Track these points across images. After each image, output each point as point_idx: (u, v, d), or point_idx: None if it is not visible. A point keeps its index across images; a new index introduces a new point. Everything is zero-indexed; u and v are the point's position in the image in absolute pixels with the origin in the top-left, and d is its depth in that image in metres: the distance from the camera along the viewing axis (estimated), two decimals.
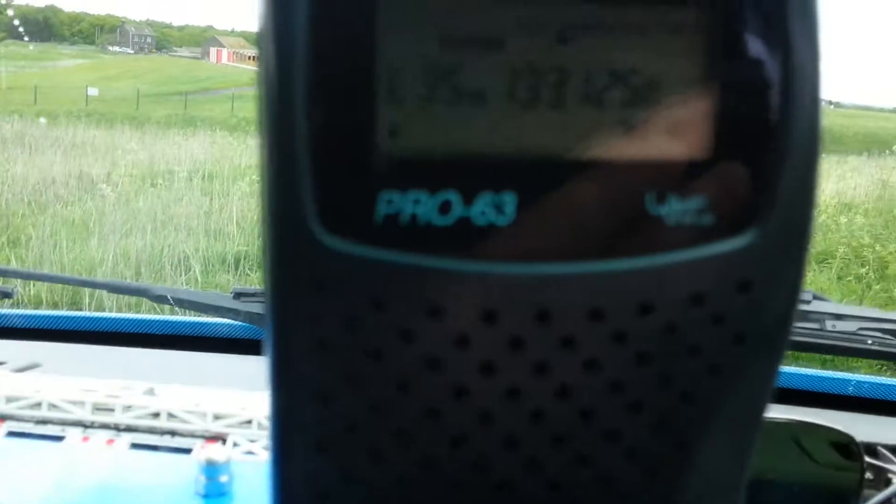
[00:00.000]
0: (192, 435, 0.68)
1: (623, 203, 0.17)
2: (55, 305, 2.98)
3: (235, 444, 0.66)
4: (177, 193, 5.10)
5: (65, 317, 1.05)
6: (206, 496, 0.58)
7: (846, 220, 5.24)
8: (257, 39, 0.17)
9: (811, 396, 0.86)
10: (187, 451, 0.66)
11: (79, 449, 0.66)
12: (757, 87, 0.17)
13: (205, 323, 0.99)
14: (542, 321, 0.17)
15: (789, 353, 0.19)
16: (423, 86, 0.16)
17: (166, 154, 7.14)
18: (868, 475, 0.61)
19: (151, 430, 0.68)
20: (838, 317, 0.81)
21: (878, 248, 4.62)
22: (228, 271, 3.68)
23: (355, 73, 0.16)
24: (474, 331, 0.17)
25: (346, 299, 0.17)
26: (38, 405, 0.70)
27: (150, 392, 0.72)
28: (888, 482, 0.63)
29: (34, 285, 2.99)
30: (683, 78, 0.17)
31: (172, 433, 0.68)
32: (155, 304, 1.00)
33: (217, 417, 0.69)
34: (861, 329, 0.79)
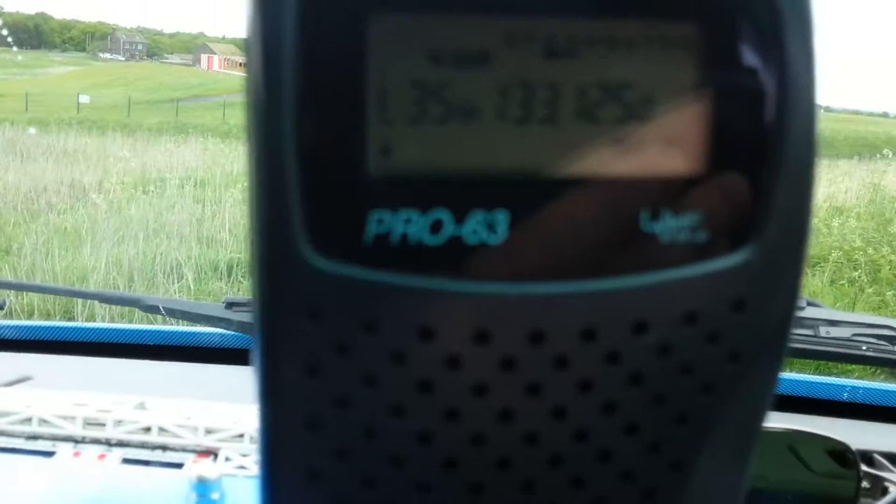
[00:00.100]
0: (184, 449, 0.67)
1: (617, 220, 0.17)
2: (48, 315, 2.96)
3: (227, 459, 0.66)
4: (169, 201, 5.09)
5: (56, 327, 1.04)
6: None
7: (838, 223, 5.26)
8: (245, 56, 0.16)
9: (805, 402, 0.86)
10: (179, 465, 0.65)
11: (70, 464, 0.65)
12: (751, 103, 0.17)
13: (197, 333, 0.99)
14: (535, 341, 0.17)
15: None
16: (413, 103, 0.16)
17: (158, 161, 7.12)
18: (865, 484, 0.61)
19: (143, 445, 0.68)
20: (832, 323, 0.81)
21: (870, 251, 4.64)
22: (221, 279, 3.67)
23: (343, 92, 0.16)
24: (467, 352, 0.17)
25: (336, 322, 0.16)
26: (29, 420, 0.69)
27: (142, 406, 0.72)
28: (885, 491, 0.63)
29: (27, 294, 2.97)
30: (677, 93, 0.16)
31: (164, 448, 0.68)
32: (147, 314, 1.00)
33: (209, 432, 0.68)
34: (855, 335, 0.80)
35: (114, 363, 0.94)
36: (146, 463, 0.66)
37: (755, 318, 0.18)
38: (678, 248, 0.17)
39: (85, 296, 2.04)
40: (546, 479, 0.18)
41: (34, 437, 0.68)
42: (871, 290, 4.12)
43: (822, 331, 0.80)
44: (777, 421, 0.61)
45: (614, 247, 0.17)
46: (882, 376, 2.12)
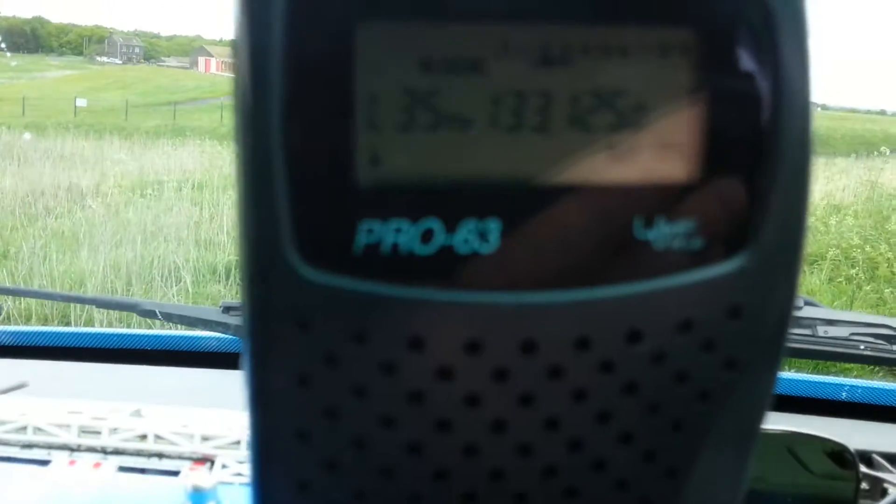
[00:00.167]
0: (180, 457, 0.67)
1: (610, 228, 0.16)
2: (46, 319, 2.96)
3: (224, 466, 0.65)
4: (166, 204, 5.08)
5: (52, 333, 1.04)
6: None
7: (836, 221, 5.27)
8: (232, 60, 0.16)
9: (803, 402, 0.86)
10: (175, 473, 0.65)
11: (65, 473, 0.65)
12: (745, 109, 0.16)
13: (194, 337, 0.99)
14: (527, 351, 0.16)
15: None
16: (403, 111, 0.16)
17: (155, 164, 7.11)
18: (864, 485, 0.61)
19: (139, 453, 0.67)
20: (830, 322, 0.81)
21: (867, 248, 4.65)
22: (219, 281, 3.66)
23: (332, 99, 0.15)
24: (458, 362, 0.16)
25: (325, 332, 0.16)
26: (24, 429, 0.69)
27: (137, 414, 0.72)
28: (884, 492, 0.63)
29: (24, 299, 2.96)
30: (670, 99, 0.16)
31: (160, 455, 0.67)
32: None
33: (205, 439, 0.68)
34: (853, 334, 0.79)
35: (110, 368, 0.94)
36: (142, 471, 0.66)
37: (751, 324, 0.17)
38: (672, 256, 0.17)
39: (82, 301, 2.03)
40: (540, 490, 0.18)
41: (29, 446, 0.68)
42: (868, 288, 4.13)
43: (820, 330, 0.79)
44: (775, 421, 0.61)
45: (608, 255, 0.16)
46: (881, 375, 2.12)
